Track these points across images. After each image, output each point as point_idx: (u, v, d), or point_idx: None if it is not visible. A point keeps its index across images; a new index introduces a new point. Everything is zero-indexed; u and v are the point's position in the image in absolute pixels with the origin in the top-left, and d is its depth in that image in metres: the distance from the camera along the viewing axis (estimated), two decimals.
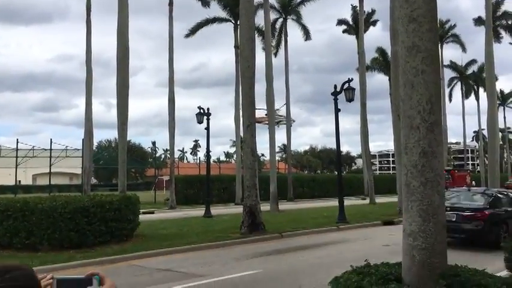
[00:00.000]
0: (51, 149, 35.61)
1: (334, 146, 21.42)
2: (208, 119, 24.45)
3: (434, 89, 5.19)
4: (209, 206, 23.25)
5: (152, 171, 58.14)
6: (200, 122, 24.59)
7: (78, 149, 36.25)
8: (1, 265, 1.27)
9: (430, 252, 4.93)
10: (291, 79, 41.29)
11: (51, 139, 36.42)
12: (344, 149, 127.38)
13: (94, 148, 41.65)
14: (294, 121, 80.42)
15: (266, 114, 71.12)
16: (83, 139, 27.47)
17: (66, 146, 39.56)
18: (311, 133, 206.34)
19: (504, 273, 8.26)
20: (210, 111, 24.58)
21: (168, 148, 35.97)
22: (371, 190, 32.40)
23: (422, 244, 4.98)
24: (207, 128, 24.54)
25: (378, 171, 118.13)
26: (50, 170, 36.46)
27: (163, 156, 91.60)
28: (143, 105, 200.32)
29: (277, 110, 77.42)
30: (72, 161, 39.57)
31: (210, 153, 28.00)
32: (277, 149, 76.16)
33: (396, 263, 5.50)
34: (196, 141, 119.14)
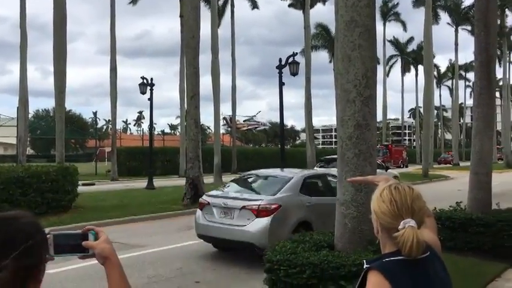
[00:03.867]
0: None
1: (279, 120, 21.64)
2: (151, 90, 23.94)
3: (370, 64, 5.35)
4: (152, 177, 22.99)
5: (93, 143, 56.48)
6: (143, 92, 24.03)
7: (13, 118, 34.47)
8: (6, 213, 1.24)
9: (361, 220, 5.17)
10: (238, 51, 41.11)
11: None
12: (289, 123, 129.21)
13: (30, 117, 39.83)
14: (269, 125, 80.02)
15: (244, 121, 70.89)
16: (17, 107, 26.12)
17: None
18: (257, 106, 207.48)
19: None
20: (153, 82, 24.07)
21: (110, 119, 34.89)
22: (313, 163, 33.16)
23: (354, 213, 5.21)
24: (151, 99, 24.06)
25: (321, 145, 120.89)
26: None
27: (105, 127, 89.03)
28: (84, 74, 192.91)
29: (254, 116, 78.04)
30: (7, 130, 37.65)
31: (154, 125, 27.58)
32: (222, 122, 76.04)
33: (330, 231, 5.73)
34: (140, 112, 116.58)
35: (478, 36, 8.93)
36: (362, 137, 5.28)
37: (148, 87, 23.92)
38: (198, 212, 8.56)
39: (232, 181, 9.85)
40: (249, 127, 74.42)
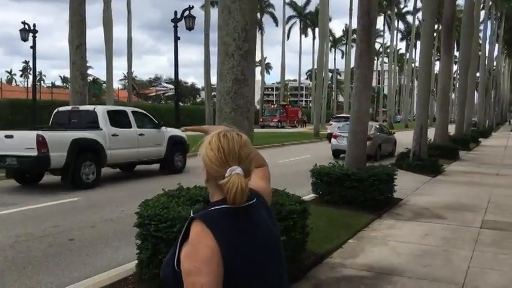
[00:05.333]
0: None
1: (179, 77, 21.12)
2: (34, 37, 21.97)
3: (250, 17, 5.25)
4: None
5: None
6: (25, 39, 21.99)
7: None
8: None
9: None
10: (137, 2, 38.75)
11: None
12: (189, 80, 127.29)
13: None
14: (179, 91, 77.31)
15: (153, 86, 67.26)
16: None
17: None
18: (157, 62, 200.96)
19: (310, 195, 9.27)
20: (37, 28, 22.08)
21: None
22: (210, 121, 33.14)
23: None
24: (33, 47, 22.12)
25: None
26: None
27: None
28: None
29: (165, 81, 74.87)
30: None
31: (44, 77, 25.51)
32: (120, 77, 72.59)
33: None
34: (26, 62, 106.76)
35: (362, 0, 9.26)
36: (240, 92, 5.24)
37: (31, 34, 21.92)
38: (333, 139, 18.52)
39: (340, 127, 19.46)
40: (158, 92, 72.32)
